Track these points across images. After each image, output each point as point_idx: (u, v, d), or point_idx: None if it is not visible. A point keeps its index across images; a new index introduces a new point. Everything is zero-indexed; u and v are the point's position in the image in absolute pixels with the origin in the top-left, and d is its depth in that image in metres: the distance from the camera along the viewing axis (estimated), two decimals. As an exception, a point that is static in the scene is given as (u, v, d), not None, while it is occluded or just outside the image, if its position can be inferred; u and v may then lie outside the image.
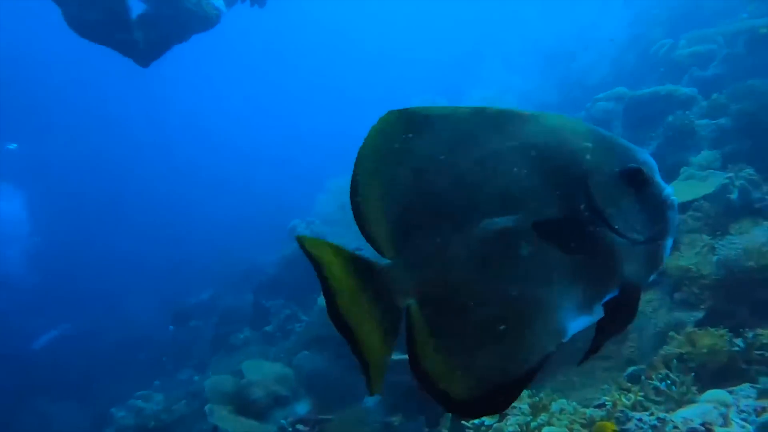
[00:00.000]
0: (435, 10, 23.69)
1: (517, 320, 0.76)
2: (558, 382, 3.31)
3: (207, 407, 3.06)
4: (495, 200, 0.79)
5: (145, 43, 4.62)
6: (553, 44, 9.53)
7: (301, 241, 0.81)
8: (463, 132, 0.83)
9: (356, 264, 0.80)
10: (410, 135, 0.83)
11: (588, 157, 0.82)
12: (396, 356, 2.98)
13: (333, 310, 0.80)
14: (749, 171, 3.78)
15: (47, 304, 11.75)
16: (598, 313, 0.79)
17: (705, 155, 4.37)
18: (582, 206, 0.79)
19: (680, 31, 6.95)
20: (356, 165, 0.83)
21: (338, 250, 0.81)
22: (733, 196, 3.67)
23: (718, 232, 3.44)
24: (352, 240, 4.40)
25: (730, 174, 3.74)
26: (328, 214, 4.05)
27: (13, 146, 17.28)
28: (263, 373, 3.61)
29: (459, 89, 4.71)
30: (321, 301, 4.79)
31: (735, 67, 5.63)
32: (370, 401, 3.26)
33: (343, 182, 4.06)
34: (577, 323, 0.78)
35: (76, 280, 13.89)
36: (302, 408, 3.52)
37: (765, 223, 3.40)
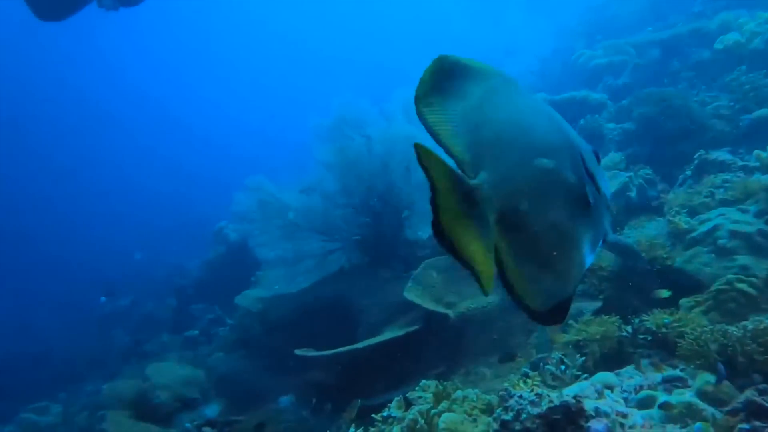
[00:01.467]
0: (367, 11, 23.92)
1: (562, 248, 0.89)
2: (470, 374, 3.39)
3: (100, 413, 2.87)
4: (542, 145, 0.91)
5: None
6: (484, 51, 9.89)
7: (417, 149, 0.83)
8: (499, 84, 0.96)
9: (456, 178, 0.85)
10: (462, 76, 0.94)
11: (573, 132, 1.00)
12: (310, 352, 2.89)
13: (437, 222, 0.84)
14: (647, 171, 4.05)
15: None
16: (596, 255, 0.96)
17: (611, 156, 4.65)
18: (583, 168, 0.94)
19: (597, 42, 7.39)
20: (417, 93, 0.90)
21: (446, 165, 0.85)
22: (632, 194, 3.92)
23: (618, 228, 3.66)
24: (270, 239, 4.33)
25: (630, 173, 3.99)
26: (245, 212, 3.95)
27: None
28: (170, 376, 3.44)
29: (385, 88, 4.76)
30: (243, 303, 4.65)
31: (642, 76, 6.06)
32: (285, 401, 3.21)
33: (261, 179, 3.98)
34: (589, 259, 0.93)
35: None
36: (212, 410, 3.39)
37: (658, 218, 3.66)
